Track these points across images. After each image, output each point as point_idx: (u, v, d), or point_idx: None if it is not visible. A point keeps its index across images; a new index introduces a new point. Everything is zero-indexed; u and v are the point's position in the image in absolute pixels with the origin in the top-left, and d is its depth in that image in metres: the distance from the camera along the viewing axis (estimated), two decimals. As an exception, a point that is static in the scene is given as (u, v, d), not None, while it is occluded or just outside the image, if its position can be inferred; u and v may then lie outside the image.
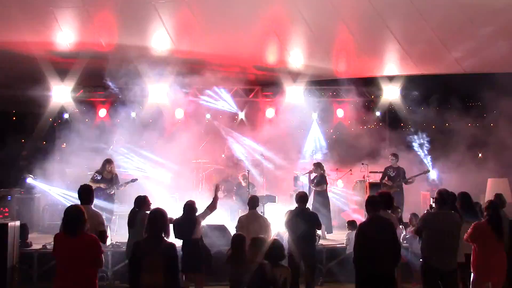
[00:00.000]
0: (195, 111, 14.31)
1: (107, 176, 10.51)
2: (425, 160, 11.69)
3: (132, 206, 7.54)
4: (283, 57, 11.32)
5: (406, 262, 8.01)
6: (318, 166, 11.16)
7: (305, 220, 7.32)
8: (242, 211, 10.54)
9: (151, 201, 7.48)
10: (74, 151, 12.63)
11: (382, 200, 6.20)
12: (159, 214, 4.95)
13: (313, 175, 11.21)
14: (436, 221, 6.13)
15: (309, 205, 10.35)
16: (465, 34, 8.84)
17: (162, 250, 4.72)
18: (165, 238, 4.84)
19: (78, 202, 5.99)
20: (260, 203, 10.53)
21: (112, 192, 10.40)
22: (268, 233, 7.33)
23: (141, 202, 7.33)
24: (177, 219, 7.17)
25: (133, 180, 10.85)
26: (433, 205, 7.32)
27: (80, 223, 4.84)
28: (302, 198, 7.49)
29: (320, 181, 10.97)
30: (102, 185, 10.16)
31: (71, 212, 4.93)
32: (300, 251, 7.23)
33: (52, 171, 12.36)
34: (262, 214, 8.62)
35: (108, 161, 10.71)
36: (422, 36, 9.33)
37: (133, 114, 14.13)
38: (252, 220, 7.44)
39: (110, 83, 13.17)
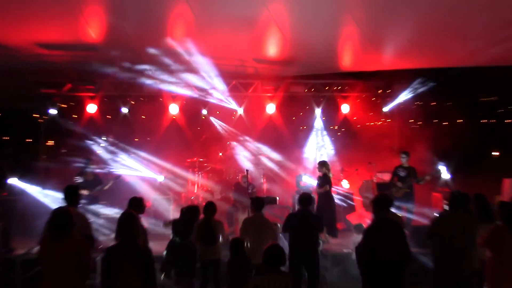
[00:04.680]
0: (190, 107, 14.28)
1: (89, 177, 10.51)
2: (437, 159, 11.65)
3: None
4: (284, 49, 11.26)
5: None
6: (323, 165, 11.08)
7: (308, 224, 7.29)
8: (241, 213, 10.52)
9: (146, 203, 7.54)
10: (61, 149, 12.58)
11: (388, 201, 6.14)
12: (131, 216, 5.01)
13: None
14: (448, 224, 6.11)
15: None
16: (482, 22, 8.77)
17: (136, 254, 4.77)
18: (138, 241, 4.91)
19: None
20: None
21: (96, 194, 10.40)
22: (275, 238, 7.34)
23: (135, 204, 7.28)
24: (177, 219, 7.50)
25: (117, 178, 10.88)
26: (447, 207, 7.33)
27: (67, 226, 4.84)
28: (305, 200, 7.47)
29: (323, 182, 10.91)
30: (84, 192, 10.15)
31: (58, 215, 4.94)
32: (303, 257, 7.20)
33: (38, 171, 12.31)
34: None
35: (89, 161, 10.70)
36: (434, 25, 9.27)
37: (124, 110, 14.09)
38: (257, 223, 7.40)
39: (100, 77, 13.15)
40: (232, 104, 14.13)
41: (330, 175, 11.11)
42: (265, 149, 14.26)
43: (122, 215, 5.18)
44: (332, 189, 11.32)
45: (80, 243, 4.89)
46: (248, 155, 13.97)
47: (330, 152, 14.51)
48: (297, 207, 11.16)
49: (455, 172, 11.90)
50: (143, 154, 13.46)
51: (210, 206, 7.58)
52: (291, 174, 13.52)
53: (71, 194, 6.08)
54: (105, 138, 13.58)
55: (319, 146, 14.50)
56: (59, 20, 9.47)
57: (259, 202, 7.68)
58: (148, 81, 13.05)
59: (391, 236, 5.70)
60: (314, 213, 7.90)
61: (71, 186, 6.29)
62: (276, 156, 14.17)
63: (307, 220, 7.35)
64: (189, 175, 13.54)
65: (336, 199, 11.88)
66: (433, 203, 12.30)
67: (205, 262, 7.32)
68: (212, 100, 13.81)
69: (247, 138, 14.49)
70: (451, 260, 6.00)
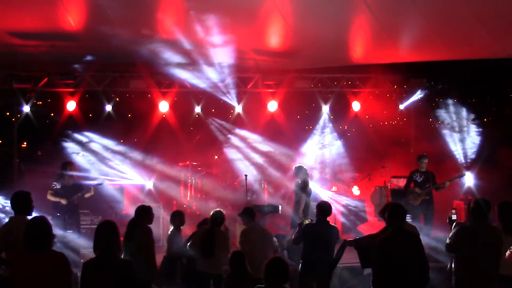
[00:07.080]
0: (182, 104, 14.30)
1: (68, 182, 10.54)
2: (459, 162, 11.70)
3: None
4: (287, 39, 11.29)
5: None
6: (299, 170, 10.47)
7: (328, 236, 7.34)
8: (240, 224, 10.56)
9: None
10: (37, 151, 12.59)
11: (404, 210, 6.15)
12: (108, 226, 5.06)
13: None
14: (473, 237, 6.11)
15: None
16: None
17: (115, 268, 4.82)
18: (117, 254, 4.96)
19: (41, 213, 5.99)
20: (261, 213, 10.59)
21: (76, 202, 10.46)
22: (273, 249, 7.40)
23: (144, 213, 7.45)
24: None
25: (99, 184, 10.93)
26: (454, 217, 7.44)
27: (46, 238, 4.89)
28: (325, 209, 7.47)
29: (300, 190, 10.26)
30: (62, 201, 10.24)
31: (34, 225, 4.96)
32: (317, 272, 7.26)
33: (10, 177, 12.33)
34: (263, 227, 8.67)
35: (68, 164, 10.73)
36: (455, 13, 9.32)
37: (108, 108, 14.11)
38: (254, 234, 7.51)
39: (80, 70, 13.17)
40: (232, 99, 14.13)
41: (308, 181, 10.72)
42: (266, 150, 14.26)
43: (99, 224, 5.25)
44: (340, 197, 11.30)
45: (61, 256, 4.93)
46: (247, 158, 13.96)
47: (339, 154, 14.50)
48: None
49: (480, 177, 11.94)
50: (129, 156, 13.49)
51: (218, 216, 7.59)
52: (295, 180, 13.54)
53: (22, 202, 6.09)
54: (86, 139, 13.60)
55: (327, 147, 14.51)
56: (34, 5, 9.49)
57: (249, 211, 7.81)
58: (135, 75, 13.12)
59: (409, 249, 5.73)
60: (334, 225, 7.90)
61: (21, 192, 6.28)
62: (278, 158, 14.18)
63: (327, 232, 7.38)
64: (181, 181, 13.57)
65: (346, 208, 11.90)
66: (456, 212, 12.33)
67: (201, 274, 7.34)
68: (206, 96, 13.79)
69: (246, 138, 14.50)
70: (475, 279, 6.02)
